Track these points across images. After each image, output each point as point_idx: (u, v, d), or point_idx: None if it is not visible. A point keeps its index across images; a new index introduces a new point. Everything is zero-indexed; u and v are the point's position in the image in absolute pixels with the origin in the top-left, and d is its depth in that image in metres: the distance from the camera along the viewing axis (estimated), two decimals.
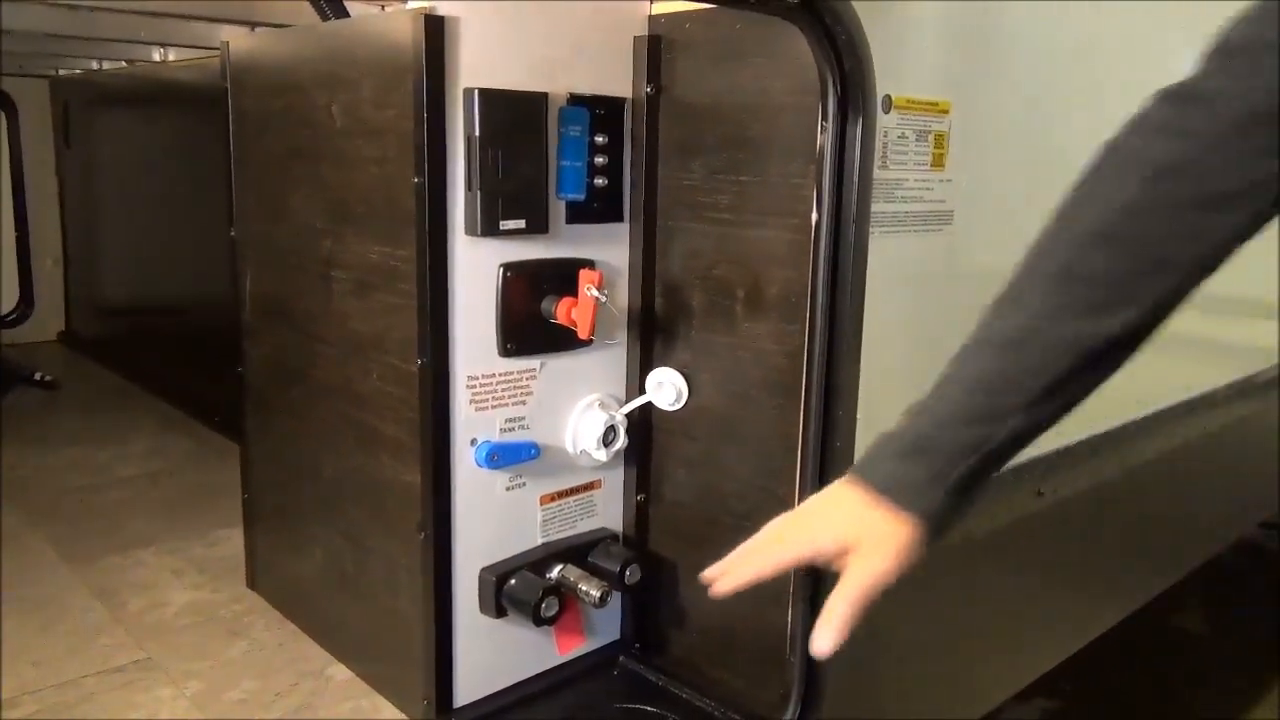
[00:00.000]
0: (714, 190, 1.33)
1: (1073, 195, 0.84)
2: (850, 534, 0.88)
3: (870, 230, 1.19)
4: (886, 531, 0.87)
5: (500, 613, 1.34)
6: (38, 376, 2.92)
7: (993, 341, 0.85)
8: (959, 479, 0.84)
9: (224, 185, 1.65)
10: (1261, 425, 2.51)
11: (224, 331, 1.75)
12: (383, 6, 1.77)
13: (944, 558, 1.52)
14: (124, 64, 2.96)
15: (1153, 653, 2.78)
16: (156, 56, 2.69)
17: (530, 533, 1.40)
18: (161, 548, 1.91)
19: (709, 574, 0.88)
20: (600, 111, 1.34)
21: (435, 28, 1.17)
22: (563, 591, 1.37)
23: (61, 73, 3.29)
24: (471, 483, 1.31)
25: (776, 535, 0.90)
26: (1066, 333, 0.81)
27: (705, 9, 1.29)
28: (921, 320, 1.37)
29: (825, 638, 0.88)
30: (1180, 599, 2.81)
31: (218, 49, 1.66)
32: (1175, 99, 0.82)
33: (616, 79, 1.37)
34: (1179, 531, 2.31)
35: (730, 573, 0.88)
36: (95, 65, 3.07)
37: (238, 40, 1.59)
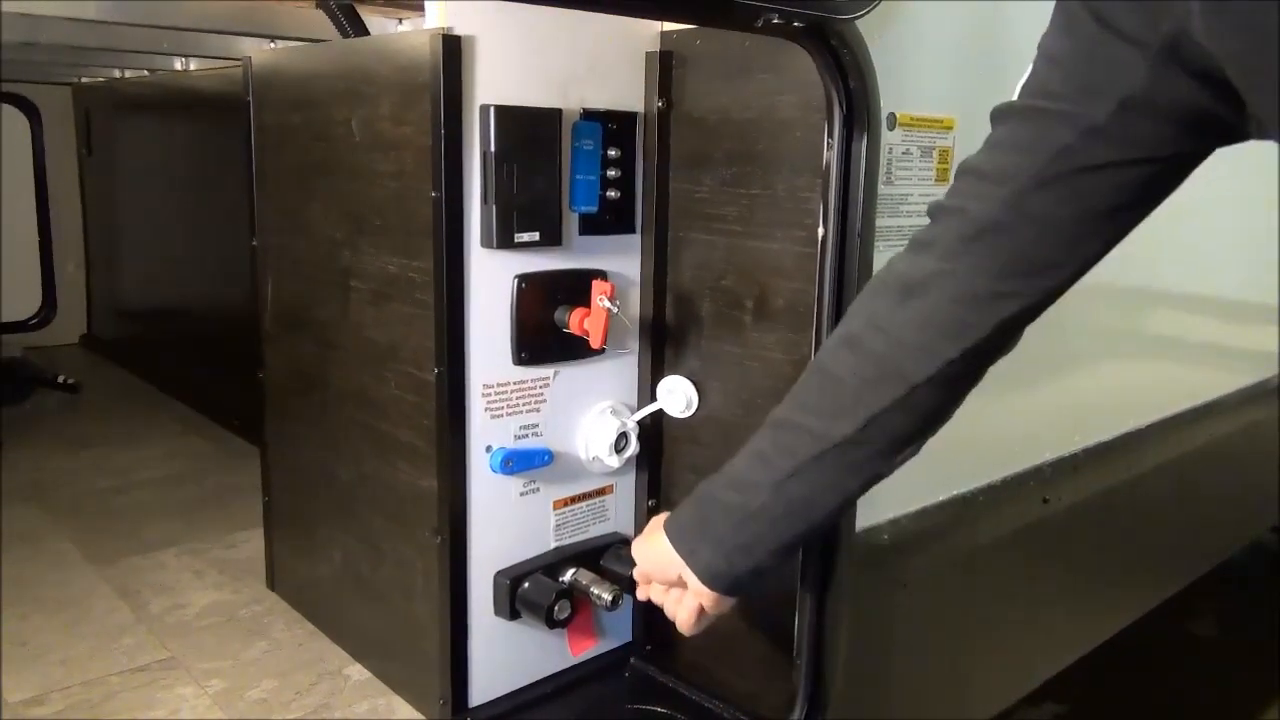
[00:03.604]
0: (723, 203, 1.36)
1: (861, 295, 0.94)
2: (654, 570, 1.09)
3: (875, 244, 1.22)
4: (676, 568, 1.04)
5: (514, 615, 1.38)
6: (60, 379, 2.97)
7: (768, 422, 0.99)
8: (723, 535, 0.99)
9: (245, 195, 1.69)
10: (1270, 431, 2.52)
11: (243, 335, 1.79)
12: (400, 20, 1.81)
13: (952, 562, 1.55)
14: (146, 73, 3.00)
15: (1163, 657, 2.78)
16: (178, 66, 2.74)
17: (543, 537, 1.43)
18: (182, 549, 1.95)
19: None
20: (613, 126, 1.37)
21: (452, 47, 1.20)
22: (575, 595, 1.40)
23: (84, 80, 3.34)
24: (486, 488, 1.35)
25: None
26: (810, 426, 0.93)
27: None
28: None
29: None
30: (1190, 604, 2.82)
31: (238, 60, 1.70)
32: (932, 212, 0.89)
33: (629, 94, 1.40)
34: (1188, 536, 2.32)
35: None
36: (117, 74, 3.12)
37: (260, 55, 1.63)
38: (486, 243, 1.27)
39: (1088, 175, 0.77)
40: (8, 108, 3.31)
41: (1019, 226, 0.80)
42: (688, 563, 1.02)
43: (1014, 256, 0.82)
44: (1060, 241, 0.81)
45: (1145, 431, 1.96)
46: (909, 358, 0.87)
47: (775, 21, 0.97)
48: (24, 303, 3.42)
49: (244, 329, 1.77)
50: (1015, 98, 0.82)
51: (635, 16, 1.35)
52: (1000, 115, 0.83)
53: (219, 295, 2.74)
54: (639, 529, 1.52)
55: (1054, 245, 0.81)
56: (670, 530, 1.05)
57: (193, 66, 2.71)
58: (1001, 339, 0.86)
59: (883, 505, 1.37)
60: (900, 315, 0.87)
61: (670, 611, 1.11)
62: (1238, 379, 2.34)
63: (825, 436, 0.91)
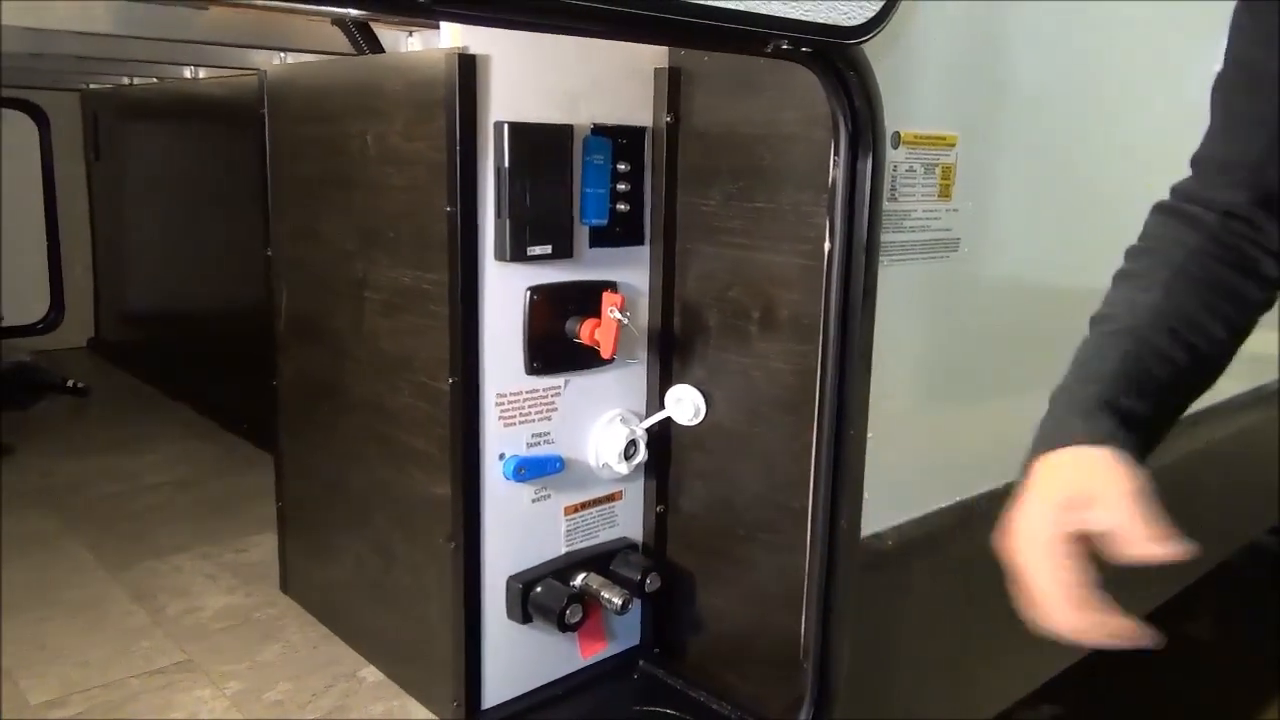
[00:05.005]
0: (730, 215, 1.39)
1: (1142, 245, 0.89)
2: (1089, 488, 0.77)
3: (880, 259, 1.25)
4: (1113, 467, 0.77)
5: (526, 619, 1.41)
6: (68, 383, 3.00)
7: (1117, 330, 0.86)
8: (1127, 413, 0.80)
9: (259, 206, 1.72)
10: (1269, 434, 2.54)
11: (251, 340, 1.81)
12: (410, 32, 1.83)
13: (953, 566, 1.57)
14: (154, 80, 3.03)
15: (1160, 659, 2.80)
16: (188, 74, 2.76)
17: (555, 542, 1.46)
18: (195, 553, 1.98)
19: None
20: (623, 141, 1.40)
21: (467, 66, 1.23)
22: (586, 599, 1.43)
23: (92, 86, 3.36)
24: (499, 495, 1.38)
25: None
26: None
27: None
28: (928, 342, 1.43)
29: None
30: (1188, 605, 2.84)
31: (248, 69, 1.72)
32: (1178, 195, 0.88)
33: (638, 109, 1.43)
34: (1187, 538, 2.34)
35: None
36: (126, 80, 3.15)
37: (275, 68, 1.66)
38: (500, 255, 1.30)
39: None
40: (16, 113, 3.33)
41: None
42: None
43: None
44: None
45: None
46: None
47: (785, 47, 1.00)
48: (32, 307, 3.45)
49: (252, 334, 1.80)
50: (1219, 68, 0.84)
51: (646, 44, 1.38)
52: (1216, 94, 0.84)
53: (226, 299, 2.76)
54: (648, 534, 1.56)
55: None
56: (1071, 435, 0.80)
57: (202, 74, 2.73)
58: None
59: (886, 512, 1.40)
60: None
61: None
62: (1237, 383, 2.36)
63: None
